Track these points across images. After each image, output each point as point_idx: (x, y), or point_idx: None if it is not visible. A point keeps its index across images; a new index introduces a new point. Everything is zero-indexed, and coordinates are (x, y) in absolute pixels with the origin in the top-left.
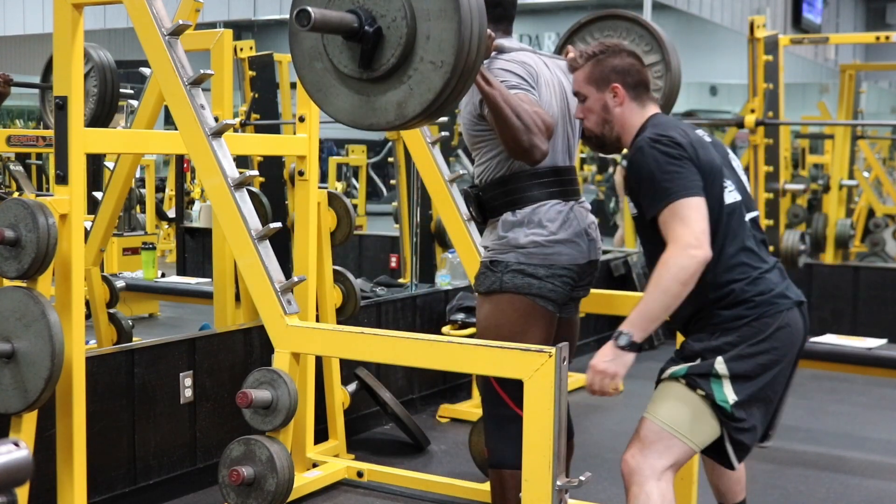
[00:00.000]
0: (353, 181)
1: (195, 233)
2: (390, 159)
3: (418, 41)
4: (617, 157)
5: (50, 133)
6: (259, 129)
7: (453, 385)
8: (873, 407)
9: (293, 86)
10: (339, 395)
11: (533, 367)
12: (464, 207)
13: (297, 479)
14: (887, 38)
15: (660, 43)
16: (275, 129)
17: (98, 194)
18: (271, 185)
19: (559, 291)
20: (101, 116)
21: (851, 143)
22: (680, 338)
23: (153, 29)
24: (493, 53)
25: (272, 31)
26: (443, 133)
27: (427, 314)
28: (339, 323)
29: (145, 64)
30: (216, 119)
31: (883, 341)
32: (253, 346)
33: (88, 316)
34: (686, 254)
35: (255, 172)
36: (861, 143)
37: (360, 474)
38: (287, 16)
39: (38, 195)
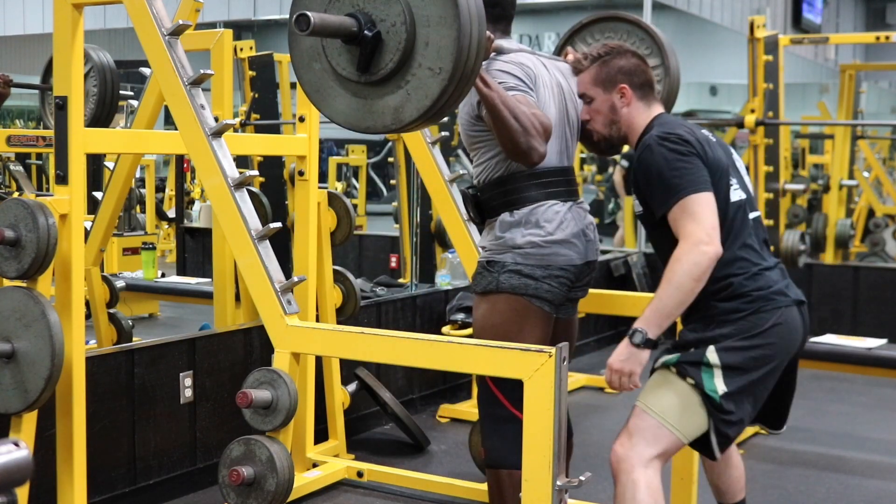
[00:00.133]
0: (353, 181)
1: (195, 233)
2: (390, 159)
3: (417, 47)
4: (616, 157)
5: (50, 133)
6: (259, 129)
7: (453, 385)
8: (873, 407)
9: (293, 86)
10: (339, 395)
11: (533, 367)
12: (464, 208)
13: (297, 479)
14: (887, 38)
15: (660, 47)
16: (275, 129)
17: (98, 194)
18: (271, 185)
19: (556, 292)
20: (101, 116)
21: (851, 143)
22: (678, 327)
23: (153, 29)
24: (492, 54)
25: (272, 31)
26: (443, 133)
27: (427, 314)
28: (339, 323)
29: (145, 64)
30: (216, 119)
31: (883, 341)
32: (253, 346)
33: (88, 316)
34: (698, 250)
35: (255, 172)
36: (861, 143)
37: (360, 474)
38: (287, 16)
39: (38, 195)
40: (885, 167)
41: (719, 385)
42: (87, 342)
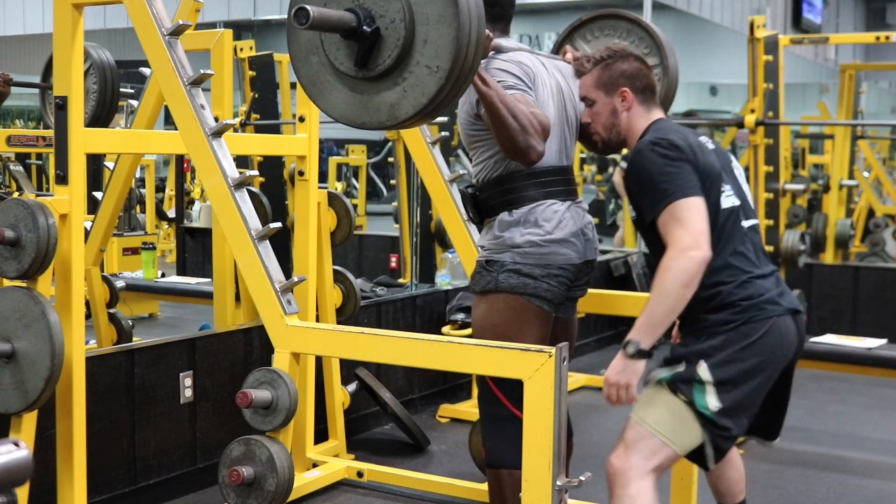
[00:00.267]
0: (353, 181)
1: (195, 233)
2: (390, 159)
3: (416, 44)
4: (616, 157)
5: (50, 133)
6: (259, 129)
7: (453, 385)
8: (873, 407)
9: (293, 86)
10: (339, 395)
11: (533, 367)
12: (463, 207)
13: (297, 479)
14: (887, 38)
15: (658, 45)
16: (275, 129)
17: (98, 194)
18: (271, 185)
19: (555, 291)
20: (101, 116)
21: (851, 143)
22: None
23: (153, 29)
24: (491, 53)
25: (272, 31)
26: (443, 133)
27: (427, 314)
28: (339, 323)
29: (145, 64)
30: (216, 119)
31: (883, 341)
32: (253, 346)
33: (88, 316)
34: (685, 256)
35: (255, 172)
36: (861, 143)
37: (360, 474)
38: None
39: (38, 195)
40: (885, 167)
41: (711, 402)
42: (87, 342)
